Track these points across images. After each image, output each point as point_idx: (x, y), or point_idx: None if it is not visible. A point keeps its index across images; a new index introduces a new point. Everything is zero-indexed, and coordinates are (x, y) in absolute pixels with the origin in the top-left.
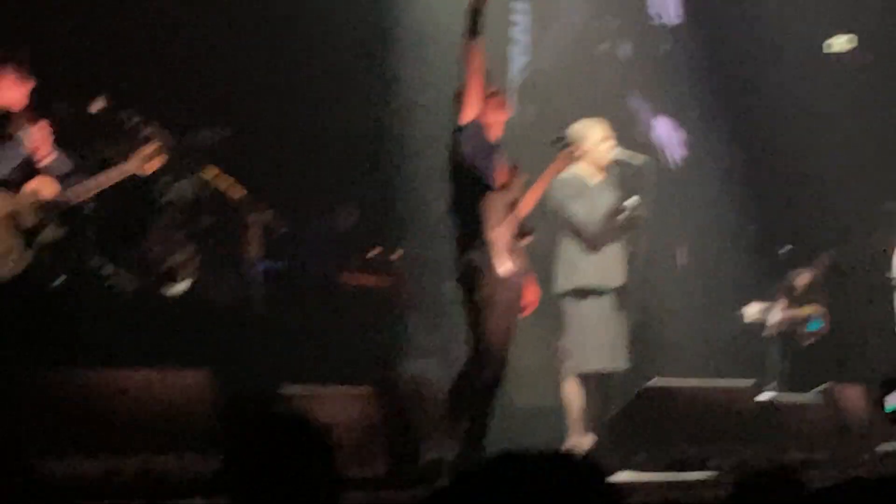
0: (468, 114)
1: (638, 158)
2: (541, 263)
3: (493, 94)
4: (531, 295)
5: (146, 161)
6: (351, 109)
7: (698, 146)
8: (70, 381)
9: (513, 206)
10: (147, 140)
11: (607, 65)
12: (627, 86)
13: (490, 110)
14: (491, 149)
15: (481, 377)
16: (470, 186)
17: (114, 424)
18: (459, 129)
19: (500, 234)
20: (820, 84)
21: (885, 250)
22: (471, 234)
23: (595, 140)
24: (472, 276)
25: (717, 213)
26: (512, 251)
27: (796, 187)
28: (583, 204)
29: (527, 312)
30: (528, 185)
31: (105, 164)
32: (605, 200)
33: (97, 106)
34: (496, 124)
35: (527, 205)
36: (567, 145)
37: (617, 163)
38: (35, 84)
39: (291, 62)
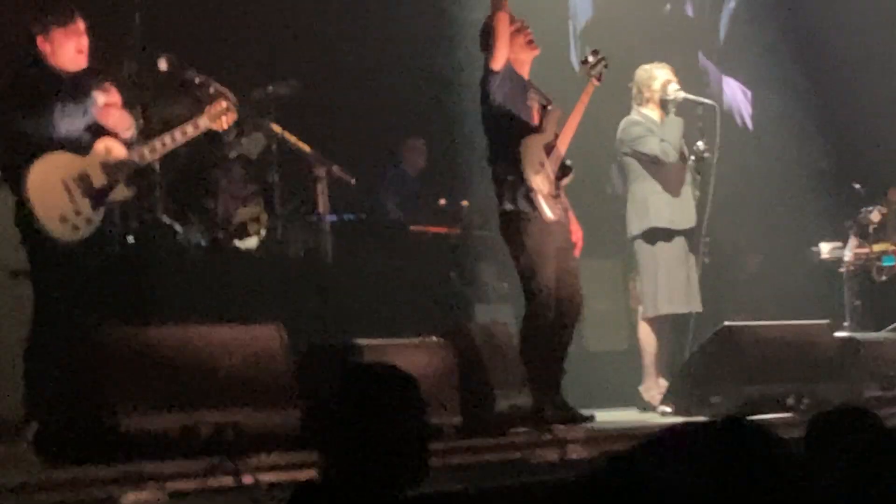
0: (499, 58)
1: (706, 100)
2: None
3: (518, 31)
4: (576, 235)
5: (217, 117)
6: (416, 57)
7: (768, 87)
8: (144, 338)
9: (550, 146)
10: (215, 97)
11: (675, 23)
12: (694, 45)
13: (518, 48)
14: (524, 89)
15: (549, 323)
16: (509, 131)
17: (189, 380)
18: (492, 74)
19: (542, 178)
20: (891, 22)
21: None
22: (512, 180)
23: (661, 82)
24: (518, 225)
25: (787, 152)
26: (556, 194)
27: (867, 125)
28: (652, 138)
29: (577, 252)
30: (562, 121)
31: (170, 124)
32: (675, 137)
33: (162, 65)
34: (527, 62)
35: (564, 142)
36: (596, 65)
37: (685, 102)
38: (97, 44)
39: (354, 12)
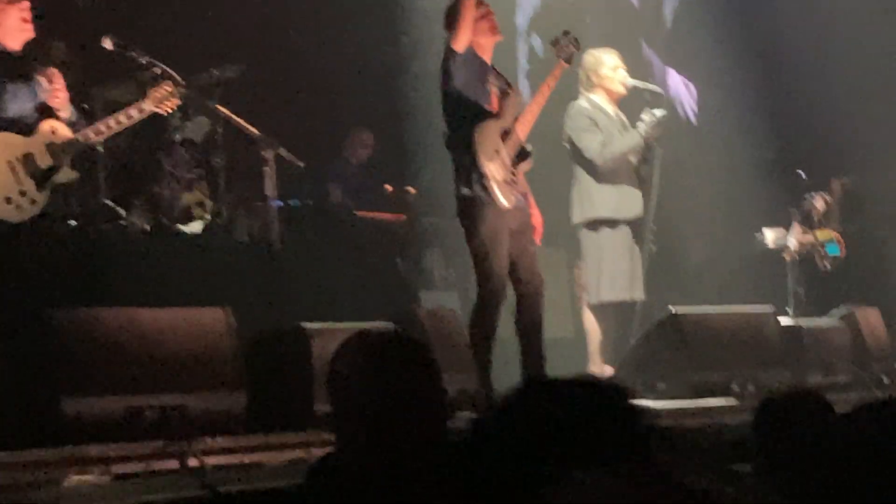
0: (461, 40)
1: (653, 87)
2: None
3: (483, 17)
4: (536, 219)
5: (161, 101)
6: (364, 43)
7: (712, 76)
8: (89, 321)
9: (508, 132)
10: (160, 79)
11: (622, 13)
12: (638, 35)
13: (481, 33)
14: (485, 73)
15: (496, 315)
16: (466, 115)
17: (134, 363)
18: (453, 55)
19: (496, 165)
20: (835, 8)
21: None
22: (467, 165)
23: (609, 67)
24: (472, 210)
25: (731, 139)
26: (511, 179)
27: (812, 112)
28: (594, 137)
29: (538, 236)
30: (522, 107)
31: (114, 106)
32: (619, 133)
33: (107, 44)
34: (488, 47)
35: (523, 129)
36: (566, 46)
37: (634, 89)
38: (41, 25)
39: None
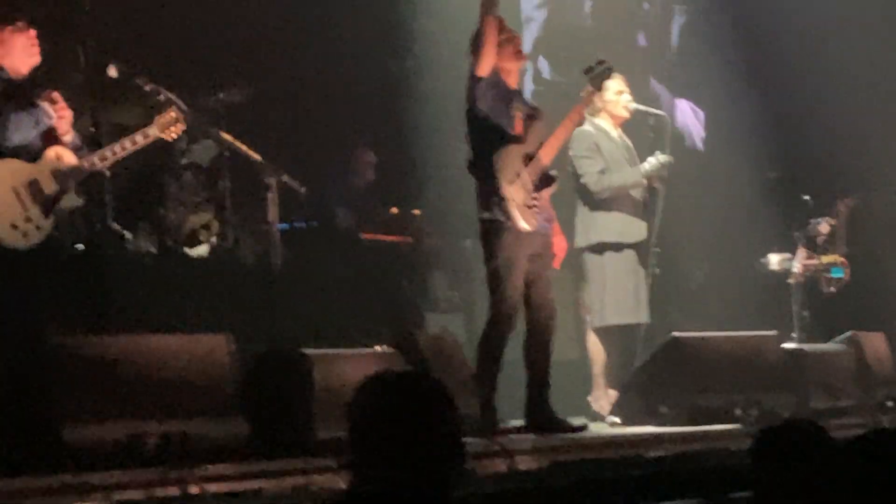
0: (486, 64)
1: (658, 111)
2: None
3: (508, 41)
4: (557, 246)
5: (167, 127)
6: (369, 66)
7: (718, 100)
8: (94, 346)
9: (530, 156)
10: (165, 105)
11: (626, 51)
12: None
13: (506, 57)
14: (510, 98)
15: (505, 339)
16: (489, 139)
17: (137, 389)
18: (477, 80)
19: (516, 188)
20: (842, 31)
21: None
22: (487, 189)
23: (613, 92)
24: (491, 233)
25: (737, 163)
26: (531, 204)
27: (816, 136)
28: (594, 163)
29: (557, 263)
30: (548, 133)
31: (120, 131)
32: (623, 158)
33: (112, 72)
34: (514, 71)
35: (547, 154)
36: (598, 74)
37: (637, 113)
38: (47, 50)
39: (305, 20)
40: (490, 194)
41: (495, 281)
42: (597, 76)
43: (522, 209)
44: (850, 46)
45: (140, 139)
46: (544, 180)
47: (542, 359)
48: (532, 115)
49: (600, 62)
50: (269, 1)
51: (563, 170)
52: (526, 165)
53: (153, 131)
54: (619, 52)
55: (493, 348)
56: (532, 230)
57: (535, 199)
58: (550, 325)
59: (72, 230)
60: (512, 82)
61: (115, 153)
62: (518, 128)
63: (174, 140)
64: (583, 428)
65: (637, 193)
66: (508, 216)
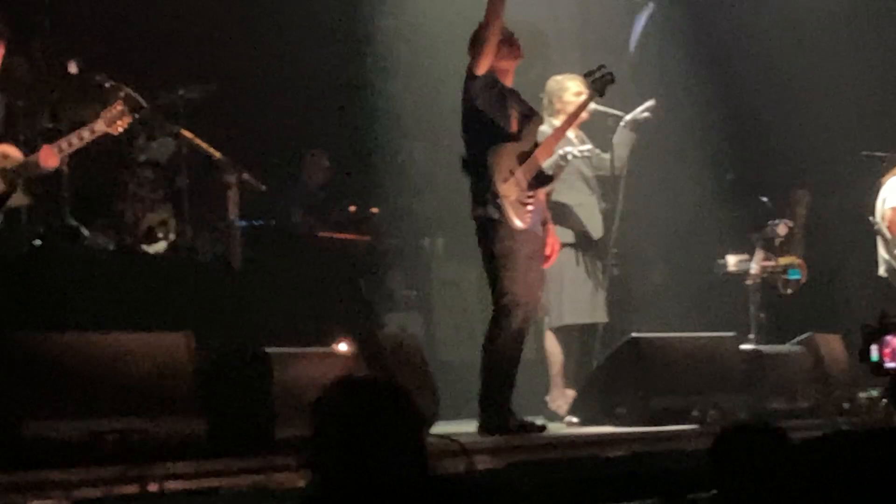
0: (484, 63)
1: (617, 111)
2: None
3: (505, 40)
4: (551, 246)
5: (114, 121)
6: (328, 65)
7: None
8: (51, 344)
9: (525, 155)
10: (112, 98)
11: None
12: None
13: (503, 57)
14: (506, 97)
15: (509, 334)
16: (485, 137)
17: (94, 388)
18: (475, 78)
19: (510, 185)
20: (798, 32)
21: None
22: (483, 186)
23: (572, 93)
24: (487, 231)
25: (695, 164)
26: (525, 202)
27: (774, 138)
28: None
29: (548, 264)
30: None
31: (80, 127)
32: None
33: (72, 68)
34: (510, 71)
35: (543, 154)
36: (599, 78)
37: (598, 114)
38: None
39: (266, 19)
40: (484, 192)
41: (494, 279)
42: (598, 80)
43: (516, 206)
44: (807, 49)
45: (86, 134)
46: (540, 179)
47: (514, 359)
48: (528, 115)
49: (601, 67)
50: None
51: None
52: (521, 164)
53: (100, 125)
54: (575, 53)
55: (496, 348)
56: (525, 227)
57: (529, 197)
58: (528, 327)
59: (29, 226)
60: (508, 81)
61: (61, 149)
62: (514, 126)
63: (131, 135)
64: (542, 428)
65: (594, 193)
66: (502, 212)
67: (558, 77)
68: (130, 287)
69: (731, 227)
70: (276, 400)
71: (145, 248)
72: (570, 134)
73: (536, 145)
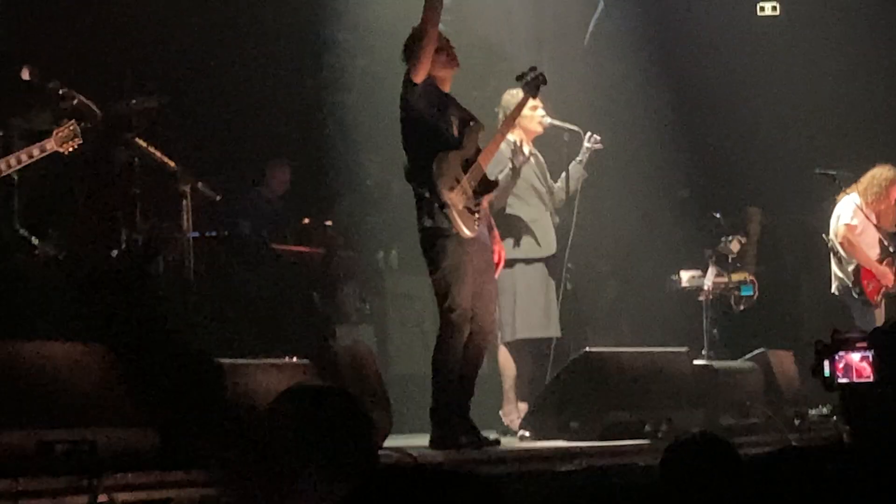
0: (421, 71)
1: (572, 126)
2: None
3: (442, 48)
4: (497, 253)
5: (65, 141)
6: (283, 77)
7: (630, 115)
8: (3, 352)
9: (470, 161)
10: (74, 111)
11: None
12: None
13: (440, 65)
14: (446, 104)
15: (460, 348)
16: (426, 145)
17: (43, 398)
18: (413, 86)
19: (457, 194)
20: (750, 51)
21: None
22: (428, 196)
23: (528, 107)
24: (435, 242)
25: (648, 180)
26: (473, 210)
27: (728, 153)
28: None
29: (496, 272)
30: (486, 138)
31: (31, 136)
32: (533, 172)
33: (25, 75)
34: (447, 79)
35: (486, 160)
36: (532, 80)
37: (552, 127)
38: None
39: (223, 29)
40: (431, 201)
41: (443, 291)
42: (530, 83)
43: (464, 215)
44: (761, 67)
45: (36, 152)
46: (484, 186)
47: (472, 373)
48: (467, 122)
49: (532, 69)
50: (187, 8)
51: None
52: (465, 171)
53: (50, 145)
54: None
55: (447, 359)
56: (474, 236)
57: (476, 204)
58: (489, 340)
59: None
60: (446, 89)
61: (9, 165)
62: (455, 134)
63: (85, 144)
64: (496, 442)
65: (548, 208)
66: (451, 221)
67: (513, 91)
68: (81, 296)
69: (684, 243)
70: (227, 411)
71: (96, 257)
72: (525, 149)
73: (479, 151)
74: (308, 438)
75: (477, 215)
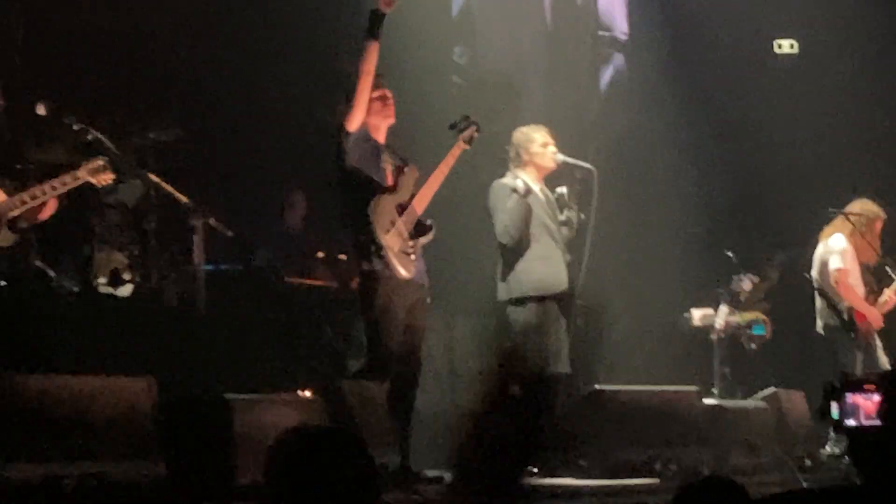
0: (356, 119)
1: (584, 164)
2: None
3: (379, 98)
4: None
5: (96, 173)
6: (298, 109)
7: (642, 153)
8: (13, 386)
9: (404, 205)
10: (91, 145)
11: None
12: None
13: (375, 114)
14: (378, 151)
15: (392, 383)
16: (360, 191)
17: (53, 432)
18: (347, 134)
19: (392, 236)
20: (767, 89)
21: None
22: (363, 240)
23: (539, 144)
24: (371, 283)
25: (661, 217)
26: (408, 251)
27: (741, 192)
28: (501, 218)
29: None
30: (420, 182)
31: (48, 169)
32: (542, 210)
33: (41, 110)
34: (382, 128)
35: (420, 203)
36: (465, 129)
37: (565, 165)
38: None
39: (237, 63)
40: (367, 245)
41: (372, 330)
42: (463, 131)
43: (400, 257)
44: (778, 104)
45: (69, 180)
46: (419, 229)
47: (405, 412)
48: (402, 167)
49: (465, 118)
50: (201, 41)
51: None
52: (400, 215)
53: (82, 174)
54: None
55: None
56: (410, 277)
57: (411, 247)
58: (416, 377)
59: None
60: (380, 138)
61: (44, 192)
62: (389, 179)
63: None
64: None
65: (559, 245)
66: (387, 265)
67: (524, 129)
68: (94, 330)
69: (696, 281)
70: (236, 446)
71: (111, 290)
72: (535, 187)
73: (413, 196)
74: (305, 483)
75: (413, 256)
